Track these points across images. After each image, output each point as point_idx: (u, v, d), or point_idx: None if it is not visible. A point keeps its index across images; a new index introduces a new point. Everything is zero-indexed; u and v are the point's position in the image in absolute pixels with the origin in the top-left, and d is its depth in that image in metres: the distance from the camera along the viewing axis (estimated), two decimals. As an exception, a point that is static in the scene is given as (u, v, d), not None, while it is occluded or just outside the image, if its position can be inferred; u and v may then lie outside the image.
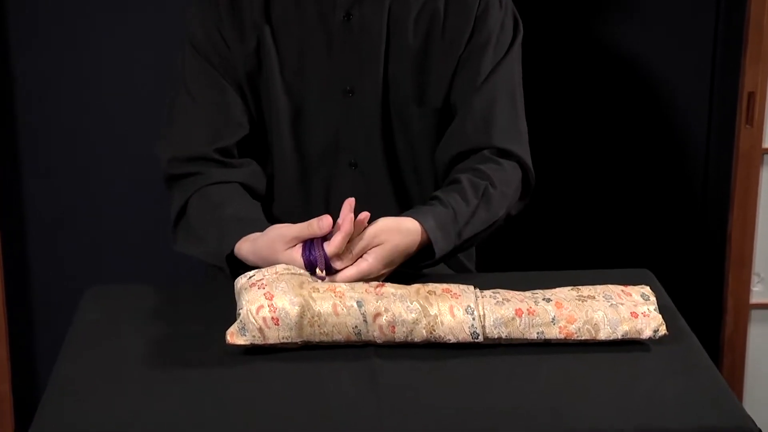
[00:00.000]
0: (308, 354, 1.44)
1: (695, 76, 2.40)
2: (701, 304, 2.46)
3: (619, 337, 1.45)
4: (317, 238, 1.53)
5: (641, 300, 1.49)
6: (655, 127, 2.43)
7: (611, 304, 1.47)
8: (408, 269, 1.62)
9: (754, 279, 2.43)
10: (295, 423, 1.31)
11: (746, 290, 2.43)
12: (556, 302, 1.47)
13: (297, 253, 1.53)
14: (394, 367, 1.41)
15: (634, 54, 2.38)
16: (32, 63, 2.33)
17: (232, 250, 1.61)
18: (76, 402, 1.35)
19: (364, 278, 1.53)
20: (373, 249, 1.55)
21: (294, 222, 1.58)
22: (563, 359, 1.44)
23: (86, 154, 2.38)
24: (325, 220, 1.51)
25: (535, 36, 2.34)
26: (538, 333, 1.44)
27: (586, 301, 1.48)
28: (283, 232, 1.55)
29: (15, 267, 2.41)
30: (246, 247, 1.59)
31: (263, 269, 1.50)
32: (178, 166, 1.77)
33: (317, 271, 1.53)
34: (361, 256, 1.54)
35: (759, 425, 1.30)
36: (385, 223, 1.57)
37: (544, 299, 1.48)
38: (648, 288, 1.53)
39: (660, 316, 1.48)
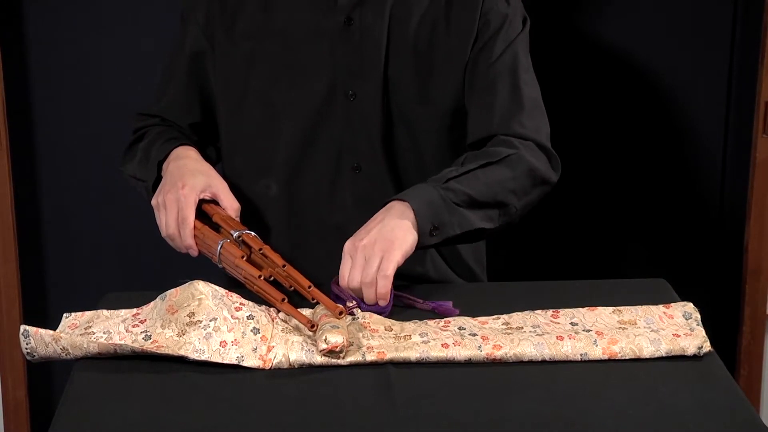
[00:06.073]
0: (324, 363, 1.44)
1: (712, 85, 2.39)
2: (718, 314, 2.45)
3: (663, 354, 1.45)
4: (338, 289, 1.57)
5: (683, 321, 1.50)
6: (672, 136, 2.43)
7: (652, 330, 1.47)
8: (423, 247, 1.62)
9: (772, 289, 2.43)
10: None
11: (763, 301, 2.42)
12: (597, 331, 1.47)
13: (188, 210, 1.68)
14: (410, 377, 1.41)
15: (650, 62, 2.38)
16: (50, 64, 2.34)
17: (166, 156, 1.75)
18: (93, 409, 1.35)
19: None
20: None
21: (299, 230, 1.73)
22: (579, 369, 1.43)
23: (103, 158, 2.38)
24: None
25: (550, 44, 2.34)
26: (582, 355, 1.45)
27: (627, 328, 1.48)
28: (197, 183, 1.68)
29: (32, 273, 2.42)
30: (178, 153, 1.75)
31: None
32: (146, 118, 1.90)
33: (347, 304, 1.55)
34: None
35: (776, 436, 1.30)
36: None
37: (584, 330, 1.48)
38: (691, 305, 1.53)
39: (703, 331, 1.47)
